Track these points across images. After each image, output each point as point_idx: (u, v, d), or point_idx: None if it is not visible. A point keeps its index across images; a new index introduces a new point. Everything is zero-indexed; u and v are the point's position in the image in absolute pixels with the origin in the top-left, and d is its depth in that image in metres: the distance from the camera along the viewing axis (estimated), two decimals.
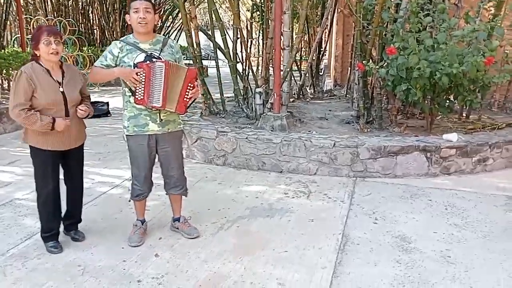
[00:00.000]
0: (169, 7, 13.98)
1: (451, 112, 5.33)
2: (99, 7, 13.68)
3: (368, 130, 5.32)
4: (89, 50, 12.62)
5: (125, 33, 13.90)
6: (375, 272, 2.79)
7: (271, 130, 5.18)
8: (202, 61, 6.54)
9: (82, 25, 14.05)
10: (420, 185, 4.33)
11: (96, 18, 14.16)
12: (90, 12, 14.17)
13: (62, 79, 2.91)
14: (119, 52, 2.90)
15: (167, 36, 2.99)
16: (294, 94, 7.81)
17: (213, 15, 6.15)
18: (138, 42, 2.92)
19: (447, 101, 5.06)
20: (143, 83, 2.83)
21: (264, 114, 5.42)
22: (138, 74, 2.82)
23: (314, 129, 5.39)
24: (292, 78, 7.35)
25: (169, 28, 15.56)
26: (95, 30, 14.34)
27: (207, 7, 7.47)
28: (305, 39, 9.56)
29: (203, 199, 3.95)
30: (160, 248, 3.09)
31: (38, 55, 2.85)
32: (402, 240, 3.21)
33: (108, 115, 8.10)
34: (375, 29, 5.29)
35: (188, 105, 3.01)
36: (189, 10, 6.10)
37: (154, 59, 2.87)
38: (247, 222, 3.51)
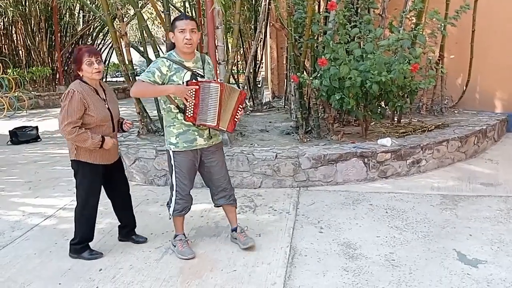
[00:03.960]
0: (98, 24, 13.52)
1: (383, 117, 5.57)
2: (23, 27, 12.95)
3: (308, 139, 5.41)
4: (14, 73, 11.88)
5: (53, 53, 13.29)
6: (324, 282, 2.79)
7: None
8: (137, 78, 6.35)
9: (5, 46, 13.25)
10: (360, 191, 4.45)
11: (21, 38, 13.40)
12: (13, 32, 13.39)
13: (105, 96, 3.09)
14: (167, 71, 2.93)
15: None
16: None
17: (144, 32, 6.02)
18: (183, 61, 2.98)
19: (379, 108, 5.28)
20: (193, 101, 2.89)
21: None
22: (190, 92, 2.88)
23: (255, 142, 5.39)
24: None
25: (100, 46, 15.08)
26: (20, 51, 13.56)
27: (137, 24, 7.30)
28: (241, 52, 9.63)
29: (145, 223, 3.79)
30: (101, 280, 2.91)
31: (81, 75, 2.99)
32: (347, 247, 3.26)
33: (38, 140, 7.62)
34: (306, 41, 5.42)
35: (236, 124, 3.12)
36: (118, 27, 5.92)
37: (199, 77, 2.97)
38: (193, 243, 3.40)
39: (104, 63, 15.53)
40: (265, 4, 6.07)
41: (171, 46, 3.04)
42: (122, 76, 6.44)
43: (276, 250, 3.24)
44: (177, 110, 2.98)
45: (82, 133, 2.91)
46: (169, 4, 6.47)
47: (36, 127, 7.76)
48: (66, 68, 14.00)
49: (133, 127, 3.22)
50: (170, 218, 3.28)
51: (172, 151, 3.06)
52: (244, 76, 7.99)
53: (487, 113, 6.76)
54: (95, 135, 2.97)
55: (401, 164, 4.85)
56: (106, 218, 3.93)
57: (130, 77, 5.84)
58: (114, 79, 17.79)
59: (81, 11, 13.86)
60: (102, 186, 3.22)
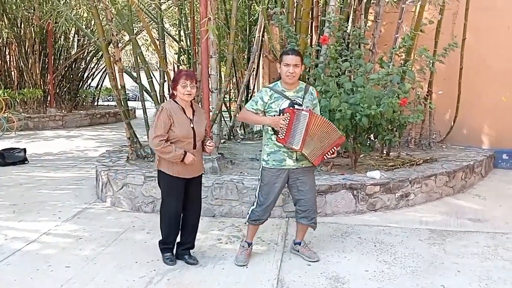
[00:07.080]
0: (93, 49, 13.61)
1: (373, 150, 5.62)
2: (17, 48, 12.99)
3: None
4: (5, 93, 11.84)
5: (45, 75, 13.29)
6: None
7: (202, 173, 5.08)
8: (129, 102, 6.37)
9: None
10: (349, 223, 4.43)
11: (14, 60, 13.42)
12: (7, 53, 13.42)
13: (193, 116, 3.37)
14: (268, 99, 3.34)
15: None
16: (225, 135, 7.82)
17: (138, 58, 6.07)
18: (285, 90, 3.35)
19: (368, 140, 5.34)
20: (286, 126, 3.22)
21: None
22: (283, 119, 3.23)
23: (245, 170, 5.38)
24: (222, 120, 7.38)
25: (94, 70, 15.14)
26: (12, 72, 13.55)
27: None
28: (233, 81, 9.73)
29: (130, 251, 3.72)
30: None
31: (175, 94, 3.33)
32: (335, 281, 3.22)
33: (25, 162, 7.52)
34: None
35: (322, 160, 3.46)
36: (113, 53, 5.97)
37: (296, 105, 3.29)
38: (179, 273, 3.34)
39: (96, 87, 15.68)
40: (259, 36, 6.20)
41: (279, 76, 3.44)
42: (114, 101, 6.44)
43: (263, 283, 3.19)
44: (272, 132, 3.34)
45: (167, 146, 3.24)
46: (164, 32, 6.58)
47: (24, 149, 7.67)
48: (58, 90, 13.98)
49: (213, 151, 3.74)
50: (245, 223, 3.70)
51: (263, 166, 3.43)
52: (236, 105, 8.06)
53: (475, 148, 6.86)
54: (178, 148, 3.26)
55: (390, 197, 4.86)
56: (91, 245, 3.85)
57: (122, 102, 5.86)
58: (106, 103, 17.80)
59: (76, 35, 13.98)
60: (182, 197, 3.43)
